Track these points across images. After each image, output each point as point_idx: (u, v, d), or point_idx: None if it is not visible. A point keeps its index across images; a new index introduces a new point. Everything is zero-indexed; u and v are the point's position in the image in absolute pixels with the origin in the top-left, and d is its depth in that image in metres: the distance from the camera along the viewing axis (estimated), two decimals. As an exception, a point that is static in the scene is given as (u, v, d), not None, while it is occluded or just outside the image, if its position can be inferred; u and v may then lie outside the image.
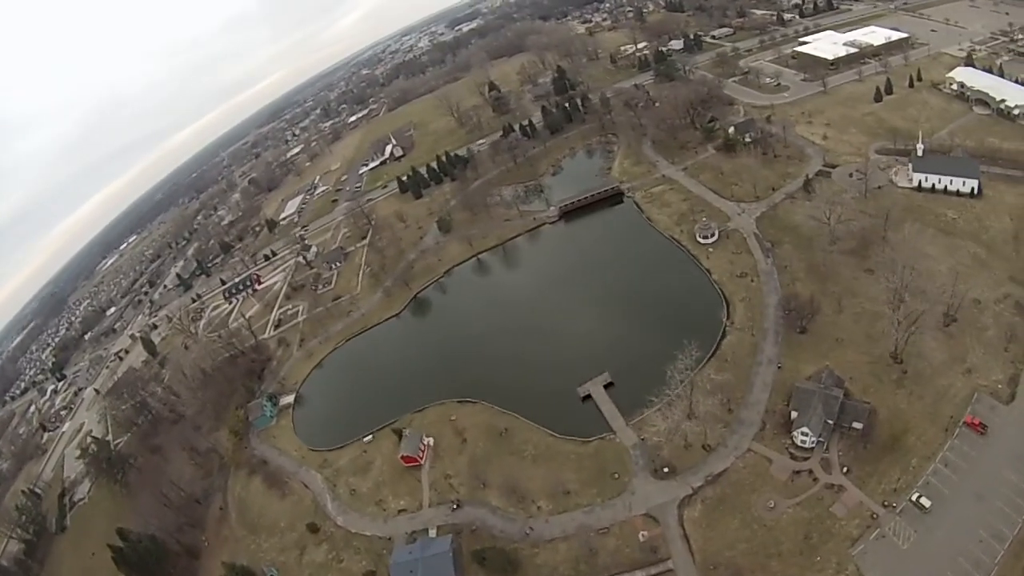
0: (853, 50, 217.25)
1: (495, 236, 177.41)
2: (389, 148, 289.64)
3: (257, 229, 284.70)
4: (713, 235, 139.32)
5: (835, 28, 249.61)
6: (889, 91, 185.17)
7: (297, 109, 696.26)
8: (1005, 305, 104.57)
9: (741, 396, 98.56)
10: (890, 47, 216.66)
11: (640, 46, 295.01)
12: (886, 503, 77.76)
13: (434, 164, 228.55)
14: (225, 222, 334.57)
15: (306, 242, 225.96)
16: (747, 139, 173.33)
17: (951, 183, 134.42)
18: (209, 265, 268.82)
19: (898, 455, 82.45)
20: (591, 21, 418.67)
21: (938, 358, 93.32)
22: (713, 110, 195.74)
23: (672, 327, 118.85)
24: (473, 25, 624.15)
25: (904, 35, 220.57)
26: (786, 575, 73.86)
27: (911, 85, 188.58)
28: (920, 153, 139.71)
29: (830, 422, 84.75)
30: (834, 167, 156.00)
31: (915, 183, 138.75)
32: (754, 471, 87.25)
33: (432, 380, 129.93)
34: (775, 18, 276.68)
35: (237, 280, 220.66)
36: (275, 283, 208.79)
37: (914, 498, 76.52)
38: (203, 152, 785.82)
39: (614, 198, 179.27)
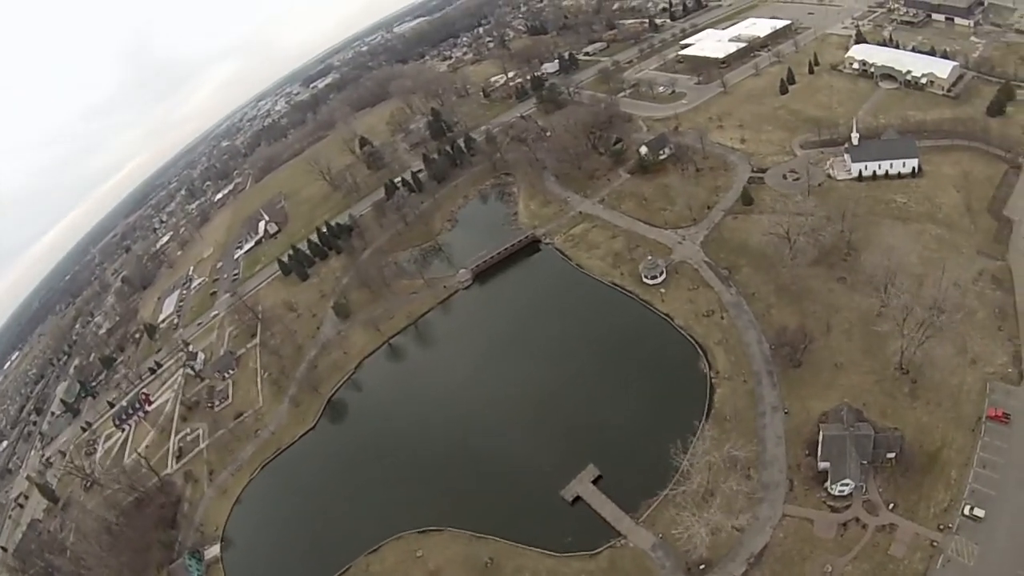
0: (741, 44, 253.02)
1: (404, 314, 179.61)
2: (262, 225, 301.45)
3: (137, 336, 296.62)
4: (661, 273, 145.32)
5: (712, 26, 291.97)
6: (792, 81, 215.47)
7: (162, 192, 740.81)
8: (984, 282, 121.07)
9: (756, 456, 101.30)
10: (776, 36, 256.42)
11: (511, 75, 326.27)
12: (941, 526, 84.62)
13: (314, 237, 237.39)
14: (103, 330, 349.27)
15: (191, 348, 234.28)
16: (662, 156, 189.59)
17: (891, 167, 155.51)
18: (93, 384, 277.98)
19: (936, 472, 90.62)
20: (452, 57, 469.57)
21: (941, 356, 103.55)
22: (615, 130, 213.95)
23: (649, 391, 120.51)
24: (328, 80, 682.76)
25: (787, 22, 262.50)
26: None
27: (811, 71, 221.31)
28: (856, 142, 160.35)
29: (865, 463, 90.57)
30: (764, 171, 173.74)
31: (855, 174, 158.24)
32: (798, 537, 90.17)
33: (379, 507, 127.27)
34: (647, 25, 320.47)
35: (125, 403, 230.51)
36: (166, 401, 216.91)
37: (966, 511, 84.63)
38: (76, 249, 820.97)
39: (530, 248, 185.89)
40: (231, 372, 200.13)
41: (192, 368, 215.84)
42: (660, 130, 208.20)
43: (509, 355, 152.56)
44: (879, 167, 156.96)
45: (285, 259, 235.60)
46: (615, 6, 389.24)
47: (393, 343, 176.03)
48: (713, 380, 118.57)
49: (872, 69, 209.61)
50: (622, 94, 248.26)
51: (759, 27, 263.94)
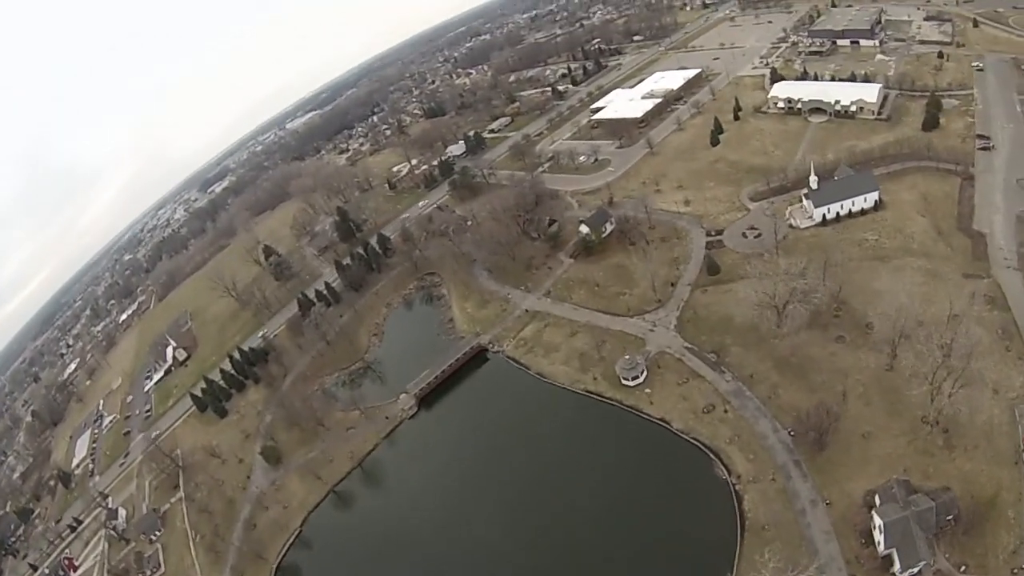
0: (656, 100, 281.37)
1: (345, 456, 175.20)
2: (169, 351, 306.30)
3: (52, 484, 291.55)
4: (641, 371, 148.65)
5: (619, 85, 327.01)
6: (720, 130, 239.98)
7: (68, 312, 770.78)
8: (979, 305, 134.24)
9: (808, 562, 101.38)
10: (690, 86, 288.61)
11: (415, 162, 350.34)
12: (1015, 570, 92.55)
13: (227, 365, 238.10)
14: (17, 474, 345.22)
15: (110, 503, 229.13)
16: (605, 233, 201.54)
17: (853, 204, 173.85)
18: (12, 541, 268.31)
19: (995, 518, 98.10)
20: (349, 149, 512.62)
21: (963, 396, 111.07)
22: (545, 211, 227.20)
23: (665, 515, 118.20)
24: (225, 184, 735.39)
25: (697, 70, 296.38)
26: None
27: (736, 117, 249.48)
28: (815, 185, 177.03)
29: (930, 535, 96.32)
30: (720, 232, 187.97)
31: (819, 219, 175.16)
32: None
33: None
34: (550, 93, 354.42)
35: (47, 569, 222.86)
36: (92, 567, 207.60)
37: None
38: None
39: (478, 359, 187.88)
40: (158, 533, 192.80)
41: (114, 528, 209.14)
42: (594, 204, 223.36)
43: (481, 494, 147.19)
44: (842, 207, 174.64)
45: (199, 392, 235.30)
46: (511, 79, 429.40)
47: (339, 491, 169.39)
48: (737, 487, 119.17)
49: (799, 105, 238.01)
50: (541, 169, 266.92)
51: (669, 80, 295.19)
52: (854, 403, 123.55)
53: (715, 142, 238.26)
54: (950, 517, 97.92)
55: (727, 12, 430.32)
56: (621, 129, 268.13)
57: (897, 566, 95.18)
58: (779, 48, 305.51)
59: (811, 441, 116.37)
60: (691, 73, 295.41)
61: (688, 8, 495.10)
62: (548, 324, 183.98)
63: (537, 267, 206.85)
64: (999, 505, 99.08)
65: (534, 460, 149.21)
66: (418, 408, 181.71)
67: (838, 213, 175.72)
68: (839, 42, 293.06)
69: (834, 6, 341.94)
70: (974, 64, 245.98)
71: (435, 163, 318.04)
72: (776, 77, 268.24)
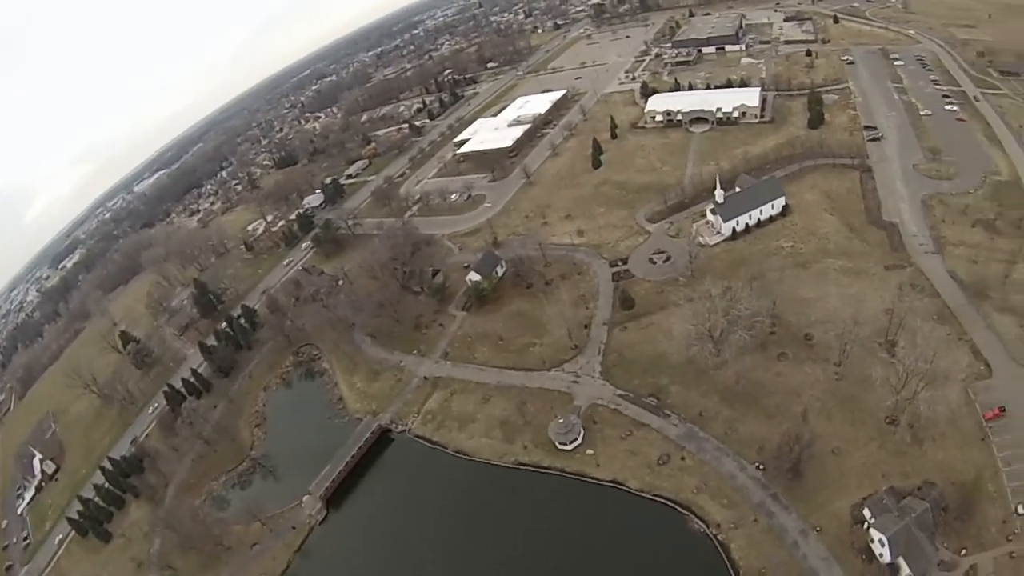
0: (525, 126, 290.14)
1: None
2: (37, 464, 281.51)
3: None
4: (579, 431, 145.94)
5: (481, 115, 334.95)
6: (600, 151, 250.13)
7: None
8: (909, 295, 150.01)
9: None
10: (558, 108, 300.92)
11: (270, 219, 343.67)
12: (1008, 537, 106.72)
13: (101, 480, 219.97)
14: None
15: None
16: (497, 278, 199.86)
17: (762, 213, 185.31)
18: None
19: (979, 498, 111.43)
20: (200, 210, 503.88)
21: (937, 386, 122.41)
22: (423, 260, 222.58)
23: None
24: (76, 258, 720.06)
25: (562, 91, 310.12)
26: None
27: (614, 136, 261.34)
28: (721, 199, 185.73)
29: (930, 534, 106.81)
30: (624, 261, 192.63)
31: (729, 233, 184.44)
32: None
33: None
34: (408, 130, 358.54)
35: None
36: None
37: (1020, 510, 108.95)
38: None
39: (382, 443, 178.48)
40: None
41: None
42: (477, 247, 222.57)
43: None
44: (750, 218, 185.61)
45: (75, 515, 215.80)
46: (364, 119, 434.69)
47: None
48: (719, 537, 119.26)
49: (679, 117, 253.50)
50: (410, 213, 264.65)
51: (535, 104, 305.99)
52: (816, 421, 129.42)
53: (597, 164, 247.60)
54: (942, 509, 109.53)
55: (582, 31, 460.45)
56: (491, 161, 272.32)
57: (907, 572, 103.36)
58: (643, 61, 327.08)
59: (785, 471, 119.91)
60: (557, 95, 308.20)
61: (540, 31, 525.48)
62: (455, 391, 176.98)
63: (427, 326, 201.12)
64: (980, 483, 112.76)
65: (477, 551, 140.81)
66: (327, 510, 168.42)
67: (747, 224, 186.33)
68: (704, 50, 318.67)
69: (692, 15, 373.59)
70: (844, 58, 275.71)
71: (292, 217, 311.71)
72: (647, 91, 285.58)
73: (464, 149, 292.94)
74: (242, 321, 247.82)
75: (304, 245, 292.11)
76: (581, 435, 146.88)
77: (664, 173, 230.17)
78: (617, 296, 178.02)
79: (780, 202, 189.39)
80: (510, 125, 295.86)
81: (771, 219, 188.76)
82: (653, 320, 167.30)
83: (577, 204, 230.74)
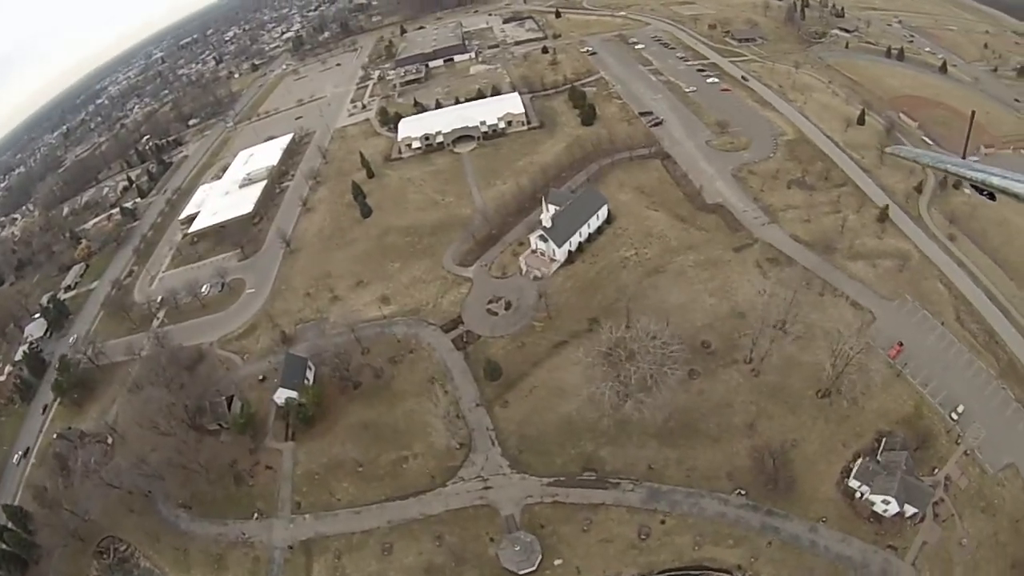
0: (259, 183, 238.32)
1: None
2: None
3: None
4: (536, 546, 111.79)
5: (198, 180, 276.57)
6: (363, 195, 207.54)
7: None
8: (768, 271, 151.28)
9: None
10: (291, 156, 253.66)
11: None
12: (957, 440, 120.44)
13: None
14: None
15: None
16: (310, 383, 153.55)
17: (590, 226, 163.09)
18: None
19: (924, 423, 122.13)
20: None
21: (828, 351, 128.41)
22: (202, 387, 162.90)
23: None
24: None
25: (289, 135, 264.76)
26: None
27: (370, 174, 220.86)
28: (548, 223, 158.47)
29: (913, 477, 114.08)
30: (458, 322, 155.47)
31: (563, 257, 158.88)
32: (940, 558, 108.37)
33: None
34: (120, 216, 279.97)
35: None
36: None
37: (952, 416, 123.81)
38: None
39: None
40: None
41: None
42: (263, 350, 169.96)
43: None
44: (581, 235, 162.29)
45: None
46: (65, 212, 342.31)
47: None
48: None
49: (439, 139, 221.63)
50: (158, 323, 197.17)
51: (262, 155, 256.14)
52: (764, 423, 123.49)
53: (366, 211, 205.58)
54: (910, 449, 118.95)
55: (285, 67, 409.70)
56: (234, 234, 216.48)
57: (912, 511, 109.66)
58: (367, 87, 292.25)
59: (765, 486, 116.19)
60: (284, 140, 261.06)
61: (237, 75, 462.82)
62: (340, 553, 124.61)
63: (250, 474, 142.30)
64: (918, 412, 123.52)
65: None
66: None
67: (580, 243, 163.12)
68: (432, 64, 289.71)
69: (404, 32, 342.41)
70: (584, 50, 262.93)
71: (18, 358, 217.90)
72: (388, 117, 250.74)
73: (196, 226, 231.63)
74: (11, 527, 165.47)
75: (44, 394, 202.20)
76: (538, 553, 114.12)
77: (450, 205, 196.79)
78: (473, 367, 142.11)
79: (604, 211, 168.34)
80: (242, 186, 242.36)
81: (599, 231, 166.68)
82: (533, 382, 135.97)
83: (363, 265, 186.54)
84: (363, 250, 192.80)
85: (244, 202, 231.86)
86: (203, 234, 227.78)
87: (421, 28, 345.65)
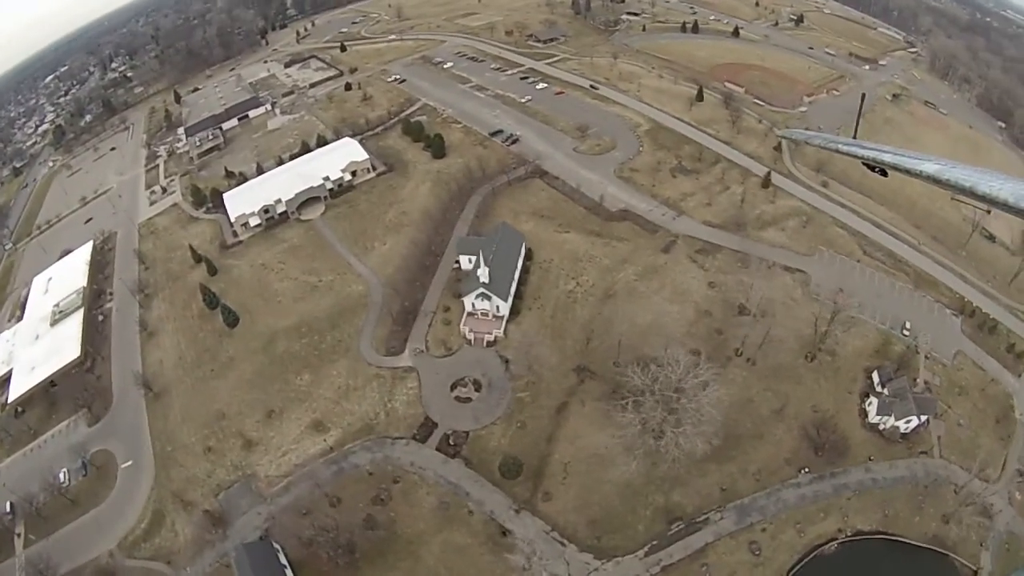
0: (76, 312, 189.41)
1: None
2: None
3: None
4: None
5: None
6: (216, 302, 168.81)
7: None
8: (708, 264, 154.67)
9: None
10: (97, 273, 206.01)
11: None
12: (927, 355, 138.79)
13: None
14: None
15: None
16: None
17: (519, 268, 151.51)
18: None
19: (898, 347, 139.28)
20: None
21: (799, 316, 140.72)
22: None
23: None
24: None
25: (87, 244, 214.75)
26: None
27: (212, 271, 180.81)
28: (486, 278, 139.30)
29: (914, 392, 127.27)
30: (429, 424, 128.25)
31: (507, 311, 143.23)
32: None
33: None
34: None
35: None
36: None
37: (905, 331, 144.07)
38: None
39: None
40: None
41: None
42: (196, 549, 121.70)
43: None
44: (516, 281, 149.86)
45: None
46: None
47: None
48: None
49: (281, 208, 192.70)
50: (22, 543, 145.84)
51: (63, 279, 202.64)
52: (785, 405, 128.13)
53: (230, 319, 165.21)
54: (896, 370, 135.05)
55: (52, 164, 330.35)
56: (69, 390, 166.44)
57: (924, 418, 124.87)
58: (158, 167, 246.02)
59: (818, 453, 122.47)
60: (85, 252, 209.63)
61: (2, 184, 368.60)
62: None
63: None
64: (889, 340, 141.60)
65: None
66: None
67: (517, 289, 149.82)
68: (226, 125, 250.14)
69: (179, 99, 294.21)
70: (391, 79, 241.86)
71: None
72: (202, 196, 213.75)
73: (15, 392, 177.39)
74: None
75: None
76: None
77: (333, 285, 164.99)
78: (483, 471, 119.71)
79: (524, 247, 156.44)
80: (53, 323, 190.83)
81: (526, 270, 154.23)
82: (562, 460, 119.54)
83: (261, 390, 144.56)
84: (251, 370, 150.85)
85: (67, 344, 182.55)
86: (26, 400, 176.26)
87: (196, 90, 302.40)
